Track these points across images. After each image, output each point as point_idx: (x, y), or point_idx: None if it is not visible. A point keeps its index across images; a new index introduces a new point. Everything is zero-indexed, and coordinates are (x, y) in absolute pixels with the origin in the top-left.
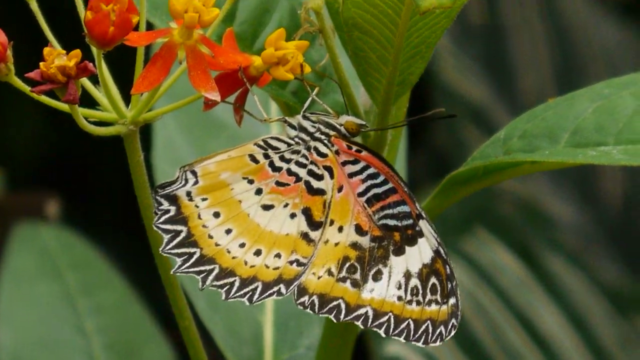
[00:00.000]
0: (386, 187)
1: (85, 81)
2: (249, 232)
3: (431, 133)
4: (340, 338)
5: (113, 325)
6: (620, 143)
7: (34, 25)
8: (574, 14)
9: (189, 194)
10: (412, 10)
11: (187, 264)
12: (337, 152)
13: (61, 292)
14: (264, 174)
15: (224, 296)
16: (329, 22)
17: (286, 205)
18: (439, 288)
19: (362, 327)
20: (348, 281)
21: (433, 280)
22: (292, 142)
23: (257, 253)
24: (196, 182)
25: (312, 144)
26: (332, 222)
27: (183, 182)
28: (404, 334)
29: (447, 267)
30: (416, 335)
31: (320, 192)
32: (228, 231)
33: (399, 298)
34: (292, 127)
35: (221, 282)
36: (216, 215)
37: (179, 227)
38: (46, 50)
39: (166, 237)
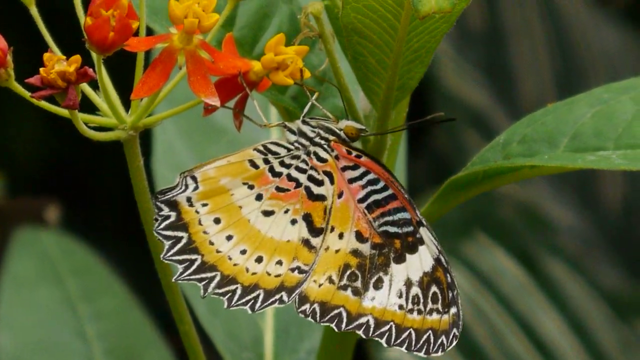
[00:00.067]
0: (386, 193)
1: (85, 86)
2: (249, 238)
3: (431, 138)
4: (340, 343)
5: (113, 331)
6: (619, 148)
7: (34, 31)
8: (574, 19)
9: (189, 199)
10: (412, 15)
11: (189, 271)
12: (336, 157)
13: (61, 298)
14: (264, 180)
15: (226, 304)
16: (328, 27)
17: (287, 211)
18: (440, 297)
19: (363, 336)
20: (349, 289)
21: (434, 288)
22: (291, 147)
23: (259, 260)
24: (196, 188)
25: (312, 149)
26: (332, 229)
27: (183, 188)
28: (406, 344)
29: (448, 275)
30: (417, 345)
31: (321, 197)
32: (229, 237)
33: (400, 307)
34: (292, 132)
35: (223, 290)
36: (217, 221)
37: (179, 234)
38: (46, 55)
39: (167, 243)
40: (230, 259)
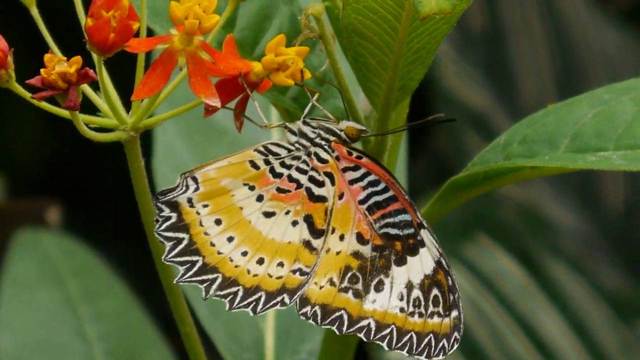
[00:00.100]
0: (387, 194)
1: (86, 87)
2: (250, 239)
3: (432, 139)
4: (341, 344)
5: (114, 332)
6: (619, 148)
7: (35, 32)
8: (574, 20)
9: (190, 200)
10: (412, 16)
11: (190, 273)
12: (337, 158)
13: (62, 299)
14: (265, 180)
15: (228, 306)
16: (329, 28)
17: (287, 213)
18: (441, 300)
19: (365, 339)
20: (350, 291)
21: (435, 291)
22: (292, 148)
23: (260, 262)
24: (197, 189)
25: (313, 149)
26: (333, 230)
27: (184, 189)
28: (407, 348)
29: (449, 278)
30: (419, 349)
31: (322, 199)
32: (230, 239)
33: (401, 310)
34: (293, 132)
35: (225, 292)
36: (218, 222)
37: (180, 235)
38: (47, 56)
39: (168, 245)
40: (231, 260)
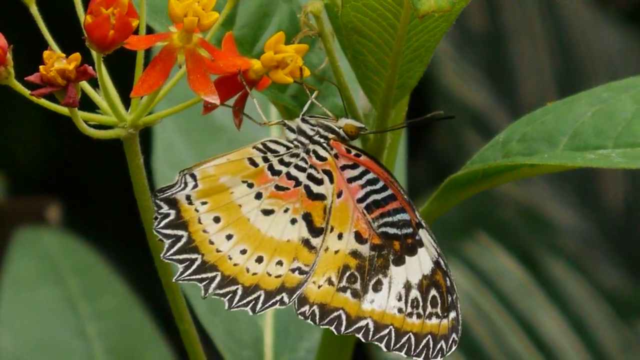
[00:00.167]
0: (385, 193)
1: (85, 84)
2: (249, 238)
3: (432, 138)
4: (340, 342)
5: (114, 330)
6: (619, 146)
7: (34, 29)
8: (575, 20)
9: (188, 197)
10: (411, 14)
11: (189, 271)
12: (336, 156)
13: (62, 297)
14: (264, 178)
15: (227, 305)
16: (328, 25)
17: (286, 211)
18: (439, 301)
19: (363, 340)
20: (348, 291)
21: (433, 292)
22: (291, 145)
23: (259, 260)
24: (195, 186)
25: (311, 147)
26: (331, 229)
27: (182, 186)
28: (405, 349)
29: (448, 279)
30: (417, 350)
31: (320, 197)
32: (229, 237)
33: (400, 310)
34: (291, 130)
35: (224, 291)
36: (216, 220)
37: (179, 232)
38: (46, 53)
39: (167, 242)
40: (230, 258)
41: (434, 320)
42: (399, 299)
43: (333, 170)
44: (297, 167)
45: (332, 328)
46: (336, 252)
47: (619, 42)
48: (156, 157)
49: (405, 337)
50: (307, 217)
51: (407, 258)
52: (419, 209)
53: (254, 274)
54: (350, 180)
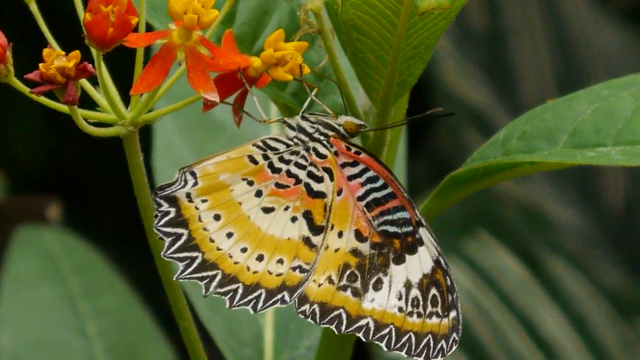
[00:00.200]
0: (385, 191)
1: (85, 82)
2: (250, 236)
3: (432, 137)
4: (340, 339)
5: (114, 329)
6: (619, 144)
7: (34, 27)
8: (574, 17)
9: (188, 195)
10: (411, 12)
11: (190, 269)
12: (336, 154)
13: (62, 296)
14: (264, 176)
15: (228, 304)
16: (328, 23)
17: (287, 209)
18: (439, 300)
19: (364, 339)
20: (349, 290)
21: (433, 291)
22: (291, 142)
23: (260, 258)
24: (195, 184)
25: (311, 144)
26: (332, 227)
27: (182, 184)
28: (406, 348)
29: (448, 278)
30: (417, 350)
31: (321, 194)
32: (229, 235)
33: (400, 309)
34: (291, 127)
35: (225, 289)
36: (217, 217)
37: (179, 230)
38: (45, 51)
39: (167, 240)
40: (231, 257)
41: (435, 320)
42: (400, 298)
43: (333, 168)
44: (297, 164)
45: (333, 327)
46: (336, 250)
47: (618, 41)
48: (156, 154)
49: (406, 337)
50: (308, 215)
51: (407, 257)
52: (419, 207)
53: (255, 272)
54: (350, 178)
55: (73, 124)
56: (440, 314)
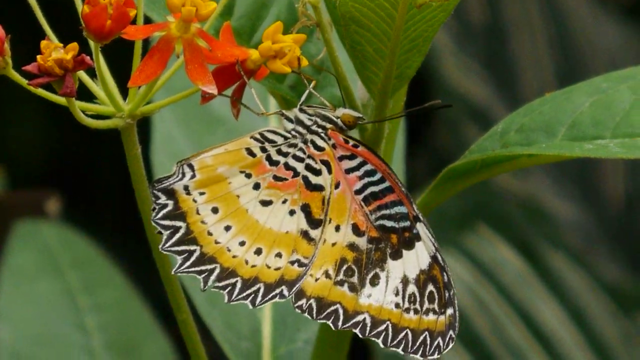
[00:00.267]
0: (383, 185)
1: (83, 74)
2: (248, 229)
3: (432, 133)
4: (338, 332)
5: (113, 323)
6: (617, 137)
7: (32, 19)
8: (575, 14)
9: (186, 187)
10: (409, 4)
11: (188, 263)
12: (334, 146)
13: (62, 290)
14: (262, 168)
15: (226, 298)
16: (326, 15)
17: (285, 202)
18: (436, 296)
19: (360, 335)
20: (346, 285)
21: (430, 287)
22: (288, 135)
23: (258, 252)
24: (193, 176)
25: (309, 137)
26: (329, 221)
27: (180, 176)
28: (402, 345)
29: (445, 274)
30: (414, 347)
31: (319, 188)
32: (227, 228)
33: (397, 305)
34: (289, 120)
35: (223, 283)
36: (215, 210)
37: (177, 223)
38: (43, 43)
39: (165, 233)
40: (229, 250)
41: (431, 317)
42: (396, 294)
43: (331, 161)
44: (295, 157)
45: (330, 322)
46: (333, 244)
47: (618, 37)
48: (155, 147)
49: (403, 334)
50: (306, 209)
51: (404, 252)
52: (417, 200)
53: (253, 266)
54: (348, 171)
55: (73, 118)
56: (437, 310)
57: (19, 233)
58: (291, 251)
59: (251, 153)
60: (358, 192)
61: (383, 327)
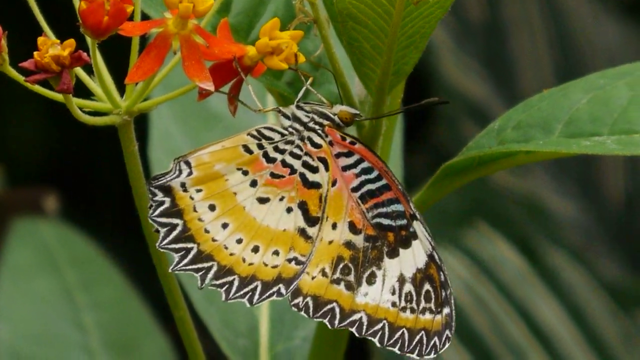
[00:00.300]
0: (380, 183)
1: (80, 71)
2: (245, 226)
3: (430, 131)
4: (335, 330)
5: (111, 321)
6: (614, 133)
7: (29, 15)
8: (574, 12)
9: (183, 184)
10: (406, 0)
11: (185, 261)
12: (331, 143)
13: (60, 288)
14: (259, 165)
15: (224, 296)
16: (323, 12)
17: (282, 199)
18: (433, 296)
19: (357, 334)
20: (342, 283)
21: (427, 286)
22: (285, 132)
23: (255, 250)
24: (190, 173)
25: (306, 134)
26: (326, 219)
27: (177, 173)
28: (399, 344)
29: (442, 273)
30: (410, 347)
31: (316, 185)
32: (224, 225)
33: (393, 304)
34: (286, 117)
35: (220, 282)
36: (212, 208)
37: (174, 221)
38: (40, 39)
39: (162, 231)
40: (226, 248)
41: (428, 316)
42: (393, 293)
43: (328, 158)
44: (292, 154)
45: (326, 321)
46: (330, 242)
47: (618, 35)
48: (152, 144)
49: (399, 333)
50: (303, 206)
51: (401, 250)
52: (415, 199)
53: (251, 264)
54: (345, 168)
55: (71, 116)
56: (434, 310)
57: (18, 231)
58: (288, 249)
59: (248, 150)
60: (355, 189)
61: (379, 326)
